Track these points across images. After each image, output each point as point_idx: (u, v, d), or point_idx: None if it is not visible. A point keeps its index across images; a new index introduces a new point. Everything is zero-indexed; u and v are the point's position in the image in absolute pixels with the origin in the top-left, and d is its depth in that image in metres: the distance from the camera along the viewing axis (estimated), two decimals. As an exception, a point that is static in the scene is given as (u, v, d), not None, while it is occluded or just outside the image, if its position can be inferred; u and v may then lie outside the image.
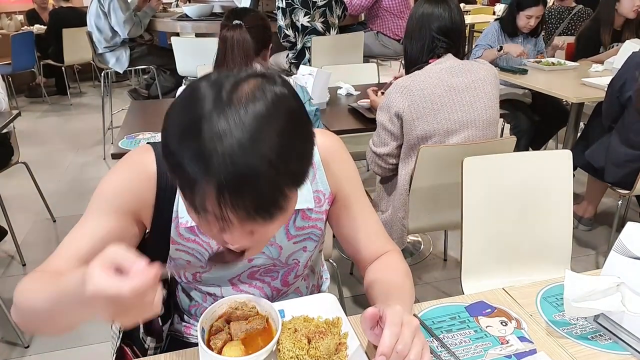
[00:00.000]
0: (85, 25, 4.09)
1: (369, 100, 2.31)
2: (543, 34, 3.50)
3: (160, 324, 0.99)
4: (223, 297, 0.88)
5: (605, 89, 2.29)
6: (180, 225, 0.86)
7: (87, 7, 6.47)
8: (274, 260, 0.95)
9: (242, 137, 0.58)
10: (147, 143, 0.88)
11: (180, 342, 1.06)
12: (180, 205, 0.86)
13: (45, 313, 0.69)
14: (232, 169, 0.58)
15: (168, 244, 0.89)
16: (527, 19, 3.09)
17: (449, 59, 1.71)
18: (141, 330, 0.97)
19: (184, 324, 1.07)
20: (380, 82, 2.97)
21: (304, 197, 0.91)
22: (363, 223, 0.98)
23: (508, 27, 3.20)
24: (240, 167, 0.58)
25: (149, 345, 0.97)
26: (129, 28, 3.92)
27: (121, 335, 0.98)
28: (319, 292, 1.17)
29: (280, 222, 0.68)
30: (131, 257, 0.57)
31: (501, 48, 3.06)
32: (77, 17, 5.52)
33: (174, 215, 0.86)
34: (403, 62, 1.88)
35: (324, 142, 0.93)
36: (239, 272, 0.96)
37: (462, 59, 1.75)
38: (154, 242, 0.89)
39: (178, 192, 0.79)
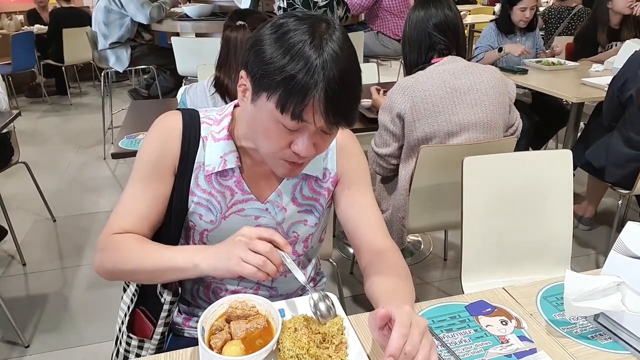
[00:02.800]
0: (86, 25, 4.04)
1: (369, 100, 2.31)
2: (542, 33, 3.49)
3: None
4: None
5: (606, 89, 2.29)
6: (206, 172, 0.96)
7: (87, 7, 6.51)
8: (277, 224, 1.01)
9: (337, 50, 0.77)
10: (177, 109, 1.02)
11: (180, 339, 1.09)
12: (205, 156, 0.96)
13: (149, 273, 0.89)
14: (337, 77, 0.76)
15: (187, 198, 0.98)
16: (521, 12, 3.07)
17: (453, 61, 1.70)
18: (159, 285, 1.01)
19: (183, 315, 1.10)
20: (381, 81, 2.97)
21: (316, 166, 1.01)
22: (365, 208, 1.03)
23: (504, 25, 3.19)
24: (341, 74, 0.76)
25: (165, 299, 1.00)
26: (149, 9, 3.78)
27: (136, 299, 1.04)
28: (315, 285, 1.17)
29: (334, 136, 0.87)
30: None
31: (501, 49, 3.06)
32: (78, 17, 5.52)
33: (195, 166, 0.97)
34: (403, 64, 1.88)
35: (344, 132, 1.04)
36: None
37: (466, 59, 1.74)
38: (174, 195, 0.98)
39: (200, 144, 0.96)
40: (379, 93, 2.17)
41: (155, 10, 3.84)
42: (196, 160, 0.97)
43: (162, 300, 1.00)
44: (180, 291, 1.05)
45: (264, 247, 0.79)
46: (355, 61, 0.81)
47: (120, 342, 1.04)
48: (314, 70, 0.74)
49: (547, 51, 3.39)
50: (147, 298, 1.04)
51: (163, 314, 1.01)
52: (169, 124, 0.97)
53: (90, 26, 4.08)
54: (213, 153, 0.96)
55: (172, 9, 4.67)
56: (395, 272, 0.93)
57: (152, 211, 0.96)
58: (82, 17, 5.51)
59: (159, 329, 1.01)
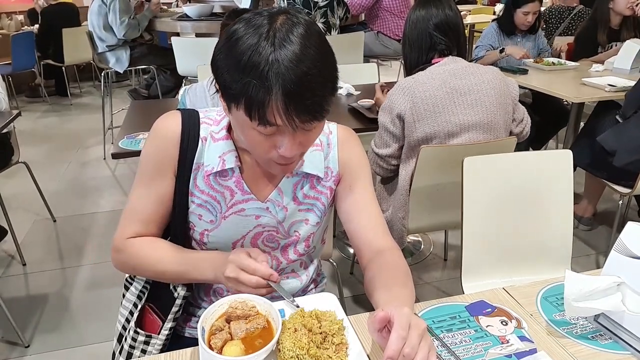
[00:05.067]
0: (76, 19, 4.04)
1: (369, 100, 2.31)
2: (543, 33, 3.49)
3: None
4: None
5: (606, 89, 2.27)
6: (205, 172, 0.96)
7: (81, 5, 6.50)
8: (277, 223, 1.01)
9: (295, 50, 0.74)
10: (177, 109, 1.02)
11: (180, 339, 1.09)
12: (204, 156, 0.96)
13: (169, 280, 1.00)
14: (293, 76, 0.73)
15: (187, 198, 0.99)
16: (524, 15, 3.09)
17: (454, 62, 1.69)
18: None
19: (183, 315, 1.10)
20: (381, 82, 2.97)
21: (317, 165, 1.00)
22: (366, 207, 1.03)
23: (505, 26, 3.20)
24: (298, 72, 0.73)
25: (178, 294, 1.01)
26: (124, 31, 3.91)
27: (146, 294, 1.06)
28: (316, 287, 1.17)
29: (320, 129, 0.84)
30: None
31: (502, 50, 3.06)
32: (70, 14, 5.48)
33: (194, 167, 0.97)
34: (403, 64, 1.87)
35: (345, 130, 1.06)
36: (244, 233, 1.00)
37: (466, 59, 1.74)
38: (176, 196, 0.99)
39: (200, 144, 0.96)
40: (383, 92, 2.16)
41: (130, 32, 3.99)
42: (195, 161, 0.97)
43: (176, 294, 1.01)
44: (193, 286, 1.06)
45: (250, 282, 0.85)
46: (322, 56, 0.77)
47: (125, 339, 1.04)
48: (266, 74, 0.73)
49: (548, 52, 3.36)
50: (157, 293, 1.06)
51: (174, 309, 1.02)
52: (168, 126, 0.97)
53: (81, 21, 4.11)
54: (212, 153, 0.96)
55: (172, 9, 4.68)
56: (396, 272, 0.92)
57: (158, 211, 0.99)
58: (75, 14, 5.50)
59: (168, 324, 1.02)
